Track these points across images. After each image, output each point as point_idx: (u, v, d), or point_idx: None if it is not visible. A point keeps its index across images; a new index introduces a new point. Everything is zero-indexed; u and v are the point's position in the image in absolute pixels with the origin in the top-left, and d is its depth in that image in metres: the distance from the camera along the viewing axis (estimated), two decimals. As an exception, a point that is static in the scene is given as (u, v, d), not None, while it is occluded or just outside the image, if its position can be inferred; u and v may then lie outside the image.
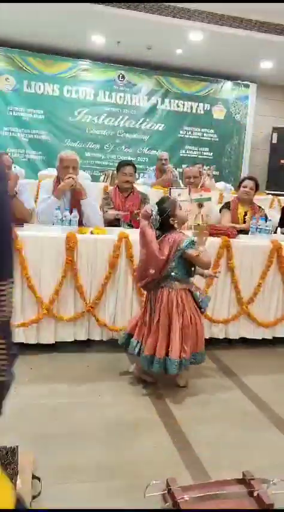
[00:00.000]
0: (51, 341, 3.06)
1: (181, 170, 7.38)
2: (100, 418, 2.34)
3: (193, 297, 2.64)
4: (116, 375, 2.87)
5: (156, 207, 2.60)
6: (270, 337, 3.46)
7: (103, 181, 6.16)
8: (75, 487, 1.82)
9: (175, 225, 2.62)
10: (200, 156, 7.83)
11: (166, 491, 1.73)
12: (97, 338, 3.16)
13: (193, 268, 2.66)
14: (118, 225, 3.59)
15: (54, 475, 1.87)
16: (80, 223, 3.42)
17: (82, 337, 3.13)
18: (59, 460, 1.98)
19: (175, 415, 2.42)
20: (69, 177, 3.43)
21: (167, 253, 2.54)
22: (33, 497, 1.70)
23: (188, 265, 2.62)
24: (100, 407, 2.46)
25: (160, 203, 2.64)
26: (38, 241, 2.99)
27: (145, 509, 1.68)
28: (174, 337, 2.53)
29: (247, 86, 7.99)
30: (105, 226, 3.70)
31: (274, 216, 4.35)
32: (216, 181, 6.66)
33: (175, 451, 2.11)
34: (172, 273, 2.58)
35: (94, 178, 6.52)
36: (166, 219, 2.59)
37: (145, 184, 6.04)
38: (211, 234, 3.25)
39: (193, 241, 2.58)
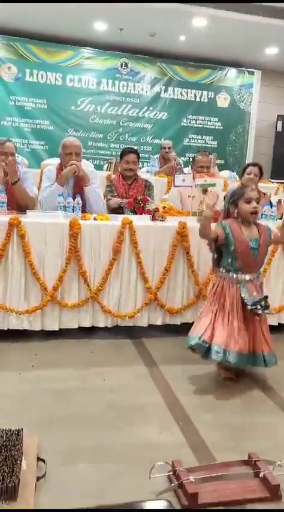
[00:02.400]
0: (56, 328, 3.05)
1: (185, 159, 7.35)
2: (105, 402, 2.34)
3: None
4: (121, 360, 2.86)
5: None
6: (276, 324, 3.43)
7: (107, 170, 6.14)
8: (80, 469, 1.82)
9: (235, 215, 2.58)
10: (204, 145, 7.78)
11: (171, 473, 1.73)
12: (101, 325, 3.15)
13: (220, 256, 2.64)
14: (122, 213, 3.57)
15: (59, 457, 1.87)
16: (83, 209, 3.40)
17: (86, 323, 3.12)
18: (64, 442, 1.98)
19: (181, 400, 2.41)
20: (72, 164, 3.41)
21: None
22: (38, 478, 1.70)
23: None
24: (105, 391, 2.45)
25: (236, 189, 2.66)
26: (41, 227, 2.98)
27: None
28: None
29: (251, 73, 7.91)
30: (108, 214, 3.68)
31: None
32: (221, 169, 6.62)
33: (180, 434, 2.10)
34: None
35: (98, 168, 6.47)
36: (228, 204, 2.61)
37: (149, 173, 6.01)
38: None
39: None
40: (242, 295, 2.50)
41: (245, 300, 2.49)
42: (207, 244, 2.76)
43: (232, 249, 2.52)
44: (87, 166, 4.22)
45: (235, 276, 2.54)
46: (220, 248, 2.63)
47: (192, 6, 5.54)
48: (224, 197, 3.56)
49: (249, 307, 2.48)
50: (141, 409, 2.30)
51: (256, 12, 5.71)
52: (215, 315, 2.54)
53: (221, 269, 2.61)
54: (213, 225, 2.59)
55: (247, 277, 2.55)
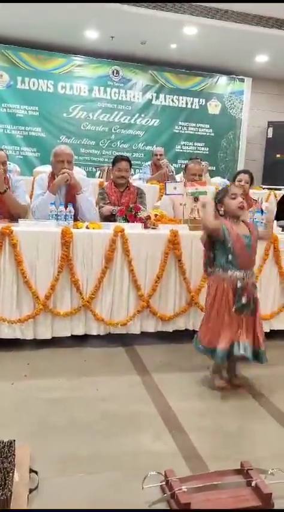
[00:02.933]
0: (48, 336, 3.05)
1: (177, 165, 7.39)
2: (98, 411, 2.34)
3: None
4: (114, 368, 2.87)
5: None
6: (268, 330, 3.45)
7: (99, 177, 6.14)
8: (73, 479, 1.82)
9: (221, 212, 2.63)
10: (196, 151, 7.82)
11: (164, 483, 1.73)
12: (94, 333, 3.15)
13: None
14: (114, 221, 3.58)
15: (52, 467, 1.86)
16: (76, 218, 3.41)
17: (79, 332, 3.12)
18: (58, 452, 1.97)
19: (173, 408, 2.42)
20: (64, 172, 3.42)
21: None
22: (31, 490, 1.69)
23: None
24: (98, 400, 2.45)
25: (220, 189, 2.75)
26: (33, 236, 2.98)
27: (145, 509, 1.67)
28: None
29: (242, 81, 7.99)
30: (101, 221, 3.69)
31: (271, 209, 4.33)
32: (212, 176, 6.67)
33: (173, 443, 2.11)
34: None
35: (90, 175, 6.48)
36: (216, 205, 2.66)
37: (141, 180, 6.04)
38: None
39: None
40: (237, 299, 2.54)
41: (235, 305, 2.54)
42: (202, 243, 2.77)
43: (229, 245, 2.55)
44: (79, 173, 4.23)
45: (234, 273, 2.56)
46: (214, 247, 2.65)
47: (182, 15, 5.60)
48: None
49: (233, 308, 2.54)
50: (134, 418, 2.31)
51: (246, 21, 5.79)
52: (223, 316, 2.56)
53: (218, 269, 2.62)
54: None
55: (244, 273, 2.58)
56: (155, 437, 2.15)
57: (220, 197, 2.65)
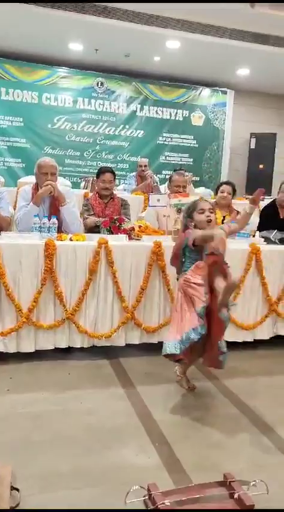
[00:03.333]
0: (31, 349, 3.02)
1: (162, 176, 7.45)
2: (82, 425, 2.33)
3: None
4: (98, 381, 2.85)
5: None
6: (251, 340, 3.48)
7: (84, 188, 6.16)
8: (55, 496, 1.80)
9: (191, 227, 2.67)
10: (180, 162, 7.90)
11: (147, 497, 1.73)
12: (78, 345, 3.13)
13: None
14: (98, 232, 3.59)
15: (34, 484, 1.84)
16: (60, 230, 3.41)
17: (63, 344, 3.10)
18: (40, 468, 1.96)
19: (157, 420, 2.42)
20: (48, 184, 3.42)
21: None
22: (12, 508, 1.67)
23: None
24: (82, 414, 2.44)
25: (189, 204, 2.77)
26: (16, 248, 2.97)
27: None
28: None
29: (224, 93, 8.12)
30: (85, 233, 3.70)
31: (253, 220, 4.40)
32: (196, 186, 6.74)
33: (156, 456, 2.10)
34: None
35: (75, 185, 6.51)
36: (185, 219, 2.71)
37: (126, 191, 6.07)
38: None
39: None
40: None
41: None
42: (174, 251, 2.79)
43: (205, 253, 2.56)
44: (63, 184, 4.24)
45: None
46: (185, 254, 2.69)
47: (165, 30, 5.68)
48: None
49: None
50: (118, 431, 2.30)
51: (226, 35, 5.90)
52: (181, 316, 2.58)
53: (187, 273, 2.64)
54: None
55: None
56: (138, 450, 2.14)
57: (189, 212, 2.70)
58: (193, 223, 2.67)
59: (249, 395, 2.77)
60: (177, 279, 2.78)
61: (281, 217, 4.01)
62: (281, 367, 3.27)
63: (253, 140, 8.14)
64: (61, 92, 7.33)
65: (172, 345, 2.52)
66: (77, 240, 3.17)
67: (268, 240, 3.63)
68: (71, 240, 3.19)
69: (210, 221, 2.65)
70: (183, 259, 2.70)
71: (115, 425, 2.35)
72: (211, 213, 2.68)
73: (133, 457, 2.10)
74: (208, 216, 2.64)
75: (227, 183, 4.21)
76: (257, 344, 3.51)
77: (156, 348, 3.27)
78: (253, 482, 1.80)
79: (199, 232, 2.59)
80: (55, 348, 3.09)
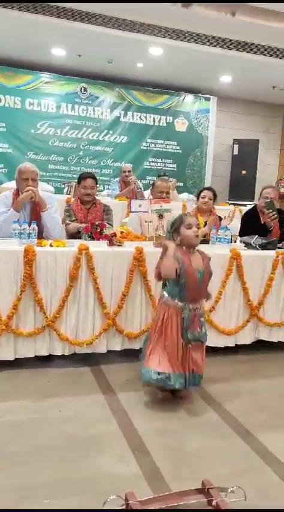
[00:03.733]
0: (11, 358, 2.98)
1: (146, 182, 7.47)
2: (60, 434, 2.29)
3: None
4: (78, 389, 2.82)
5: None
6: (232, 345, 3.49)
7: (67, 193, 6.14)
8: (32, 507, 1.76)
9: (177, 242, 2.63)
10: (164, 168, 7.93)
11: (124, 506, 1.71)
12: (59, 353, 3.10)
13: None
14: (80, 238, 3.57)
15: (10, 496, 1.81)
16: (41, 235, 3.39)
17: (43, 352, 3.06)
18: (16, 480, 1.92)
19: (137, 427, 2.40)
20: (28, 189, 3.39)
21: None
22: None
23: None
24: (61, 423, 2.41)
25: (175, 218, 2.71)
26: (-4, 255, 2.93)
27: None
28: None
29: (207, 99, 8.19)
30: (67, 239, 3.68)
31: (234, 225, 4.43)
32: (180, 192, 6.77)
33: (135, 464, 2.09)
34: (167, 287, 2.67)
35: (58, 191, 6.48)
36: (170, 234, 2.67)
37: (110, 196, 6.06)
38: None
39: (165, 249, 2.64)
40: (185, 332, 2.58)
41: (186, 336, 2.58)
42: (156, 272, 2.79)
43: (182, 281, 2.56)
44: (45, 190, 4.21)
45: (180, 303, 2.60)
46: None
47: (148, 36, 5.71)
48: None
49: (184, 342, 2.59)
50: (97, 439, 2.27)
51: (209, 42, 5.96)
52: (164, 343, 2.59)
53: (167, 295, 2.64)
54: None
55: (192, 306, 2.61)
56: (118, 459, 2.12)
57: (175, 226, 2.65)
58: (179, 238, 2.63)
59: (230, 400, 2.77)
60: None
61: (262, 222, 4.04)
62: (262, 372, 3.28)
63: (236, 146, 8.22)
64: (44, 97, 7.30)
65: (155, 375, 2.55)
66: (57, 246, 3.15)
67: (248, 245, 3.65)
68: (51, 246, 3.16)
69: (197, 236, 2.64)
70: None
71: (95, 433, 2.32)
72: (198, 228, 2.68)
73: (112, 465, 2.07)
74: (195, 232, 2.62)
75: (208, 188, 4.25)
76: (238, 349, 3.52)
77: (137, 354, 3.26)
78: (231, 489, 1.79)
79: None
80: (35, 355, 3.05)
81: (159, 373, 2.55)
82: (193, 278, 2.57)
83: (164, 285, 2.71)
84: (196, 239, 2.63)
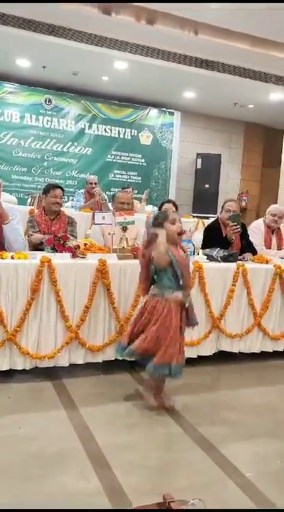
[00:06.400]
0: None
1: (111, 193, 7.48)
2: (20, 452, 2.23)
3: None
4: (39, 405, 2.76)
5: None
6: (195, 356, 3.52)
7: (30, 204, 6.05)
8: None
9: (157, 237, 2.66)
10: (129, 180, 7.99)
11: (85, 525, 1.67)
12: (19, 367, 3.02)
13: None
14: (43, 249, 3.52)
15: None
16: (2, 247, 3.32)
17: (3, 367, 2.98)
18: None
19: (99, 443, 2.36)
20: (-11, 201, 3.33)
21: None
22: None
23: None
24: (20, 441, 2.34)
25: (158, 214, 2.80)
26: None
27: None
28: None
29: (172, 114, 8.36)
30: (30, 250, 3.62)
31: (198, 238, 4.50)
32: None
33: (97, 481, 2.05)
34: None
35: (21, 201, 6.39)
36: (151, 229, 2.69)
37: (73, 208, 6.03)
38: (135, 257, 3.30)
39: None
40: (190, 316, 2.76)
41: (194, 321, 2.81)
42: (141, 265, 2.80)
43: (179, 272, 2.64)
44: (8, 200, 4.14)
45: (179, 295, 2.68)
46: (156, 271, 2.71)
47: (112, 50, 5.78)
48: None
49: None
50: (58, 456, 2.22)
51: (172, 59, 6.10)
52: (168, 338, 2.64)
53: (162, 291, 2.69)
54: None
55: (188, 292, 2.74)
56: (79, 476, 2.08)
57: (159, 221, 2.69)
58: (163, 232, 2.65)
59: (192, 412, 2.78)
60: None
61: (224, 235, 4.13)
62: (223, 383, 3.33)
63: (199, 160, 8.41)
64: (8, 108, 7.23)
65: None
66: (19, 258, 3.09)
67: (210, 258, 3.72)
68: (12, 258, 3.10)
69: (181, 233, 2.71)
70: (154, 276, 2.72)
71: (56, 450, 2.27)
72: (181, 224, 2.75)
73: (74, 483, 2.03)
74: (179, 227, 2.69)
75: (168, 201, 4.36)
76: (201, 360, 3.55)
77: (100, 368, 3.24)
78: (192, 501, 1.79)
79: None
80: (-5, 370, 2.97)
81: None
82: (185, 264, 2.70)
83: (153, 282, 2.75)
84: (178, 234, 2.71)
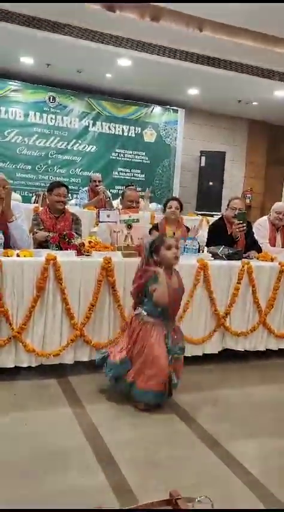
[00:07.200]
0: (-25, 370, 2.90)
1: (114, 191, 7.49)
2: (26, 449, 2.24)
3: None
4: (45, 402, 2.77)
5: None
6: (200, 354, 3.53)
7: (34, 202, 6.06)
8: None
9: (157, 260, 2.69)
10: (132, 178, 7.99)
11: (91, 521, 1.68)
12: (25, 364, 3.03)
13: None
14: (48, 247, 3.53)
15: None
16: (8, 245, 3.33)
17: (9, 364, 2.99)
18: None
19: (105, 439, 2.38)
20: (-4, 197, 3.34)
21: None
22: None
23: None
24: (26, 437, 2.35)
25: (155, 238, 2.79)
26: None
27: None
28: None
29: (176, 111, 8.34)
30: (35, 247, 3.63)
31: (203, 236, 4.50)
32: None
33: (103, 477, 2.06)
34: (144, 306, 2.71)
35: (26, 199, 6.40)
36: (151, 253, 2.70)
37: (78, 205, 6.03)
38: (140, 255, 3.30)
39: (156, 277, 2.65)
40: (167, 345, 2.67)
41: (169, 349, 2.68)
42: (134, 287, 2.83)
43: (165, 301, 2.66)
44: (13, 199, 4.14)
45: (161, 321, 2.69)
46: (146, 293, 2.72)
47: (116, 48, 5.77)
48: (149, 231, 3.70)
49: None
50: (64, 453, 2.24)
51: (176, 56, 6.08)
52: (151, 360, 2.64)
53: (144, 313, 2.70)
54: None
55: (171, 323, 2.74)
56: (85, 472, 2.09)
57: (155, 246, 2.71)
58: (158, 259, 2.68)
59: (197, 410, 2.79)
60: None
61: (229, 233, 4.12)
62: (229, 381, 3.33)
63: (203, 158, 8.39)
64: (12, 105, 7.23)
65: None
66: (24, 256, 3.10)
67: (215, 256, 3.71)
68: (18, 256, 3.11)
69: (176, 258, 2.71)
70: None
71: (61, 447, 2.29)
72: (178, 249, 2.73)
73: (79, 479, 2.04)
74: (175, 253, 2.67)
75: (174, 198, 4.33)
76: (206, 358, 3.55)
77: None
78: (199, 499, 1.80)
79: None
80: (1, 368, 2.98)
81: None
82: (176, 299, 2.72)
83: (140, 303, 2.75)
84: (175, 260, 2.71)
